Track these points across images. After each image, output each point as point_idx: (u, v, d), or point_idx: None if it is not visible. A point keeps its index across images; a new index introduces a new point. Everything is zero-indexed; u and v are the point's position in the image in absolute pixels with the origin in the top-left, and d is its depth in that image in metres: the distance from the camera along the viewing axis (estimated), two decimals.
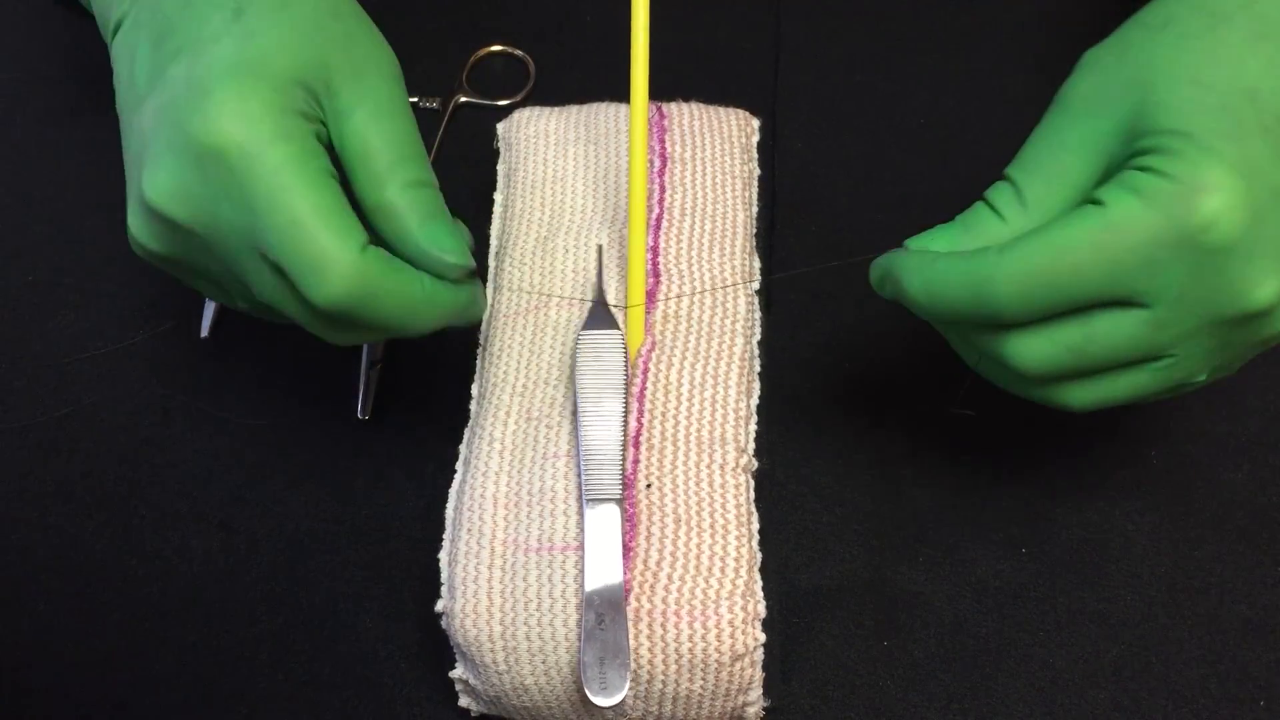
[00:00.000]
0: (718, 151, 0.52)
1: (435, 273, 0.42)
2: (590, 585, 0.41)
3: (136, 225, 0.41)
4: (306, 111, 0.40)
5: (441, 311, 0.42)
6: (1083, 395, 0.41)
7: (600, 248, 0.49)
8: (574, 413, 0.45)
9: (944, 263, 0.40)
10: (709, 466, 0.45)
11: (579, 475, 0.43)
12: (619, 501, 0.43)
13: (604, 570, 0.42)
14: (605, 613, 0.41)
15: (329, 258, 0.38)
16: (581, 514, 0.43)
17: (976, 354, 0.42)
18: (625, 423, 0.44)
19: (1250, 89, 0.38)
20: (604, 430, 0.44)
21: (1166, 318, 0.38)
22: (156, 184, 0.39)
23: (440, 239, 0.42)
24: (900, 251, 0.42)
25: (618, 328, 0.46)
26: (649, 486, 0.44)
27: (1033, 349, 0.39)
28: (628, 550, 0.42)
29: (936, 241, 0.41)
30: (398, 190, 0.41)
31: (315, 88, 0.41)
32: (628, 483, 0.44)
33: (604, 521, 0.42)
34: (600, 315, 0.47)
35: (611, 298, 0.48)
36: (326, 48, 0.41)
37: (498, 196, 0.54)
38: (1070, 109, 0.41)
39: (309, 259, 0.38)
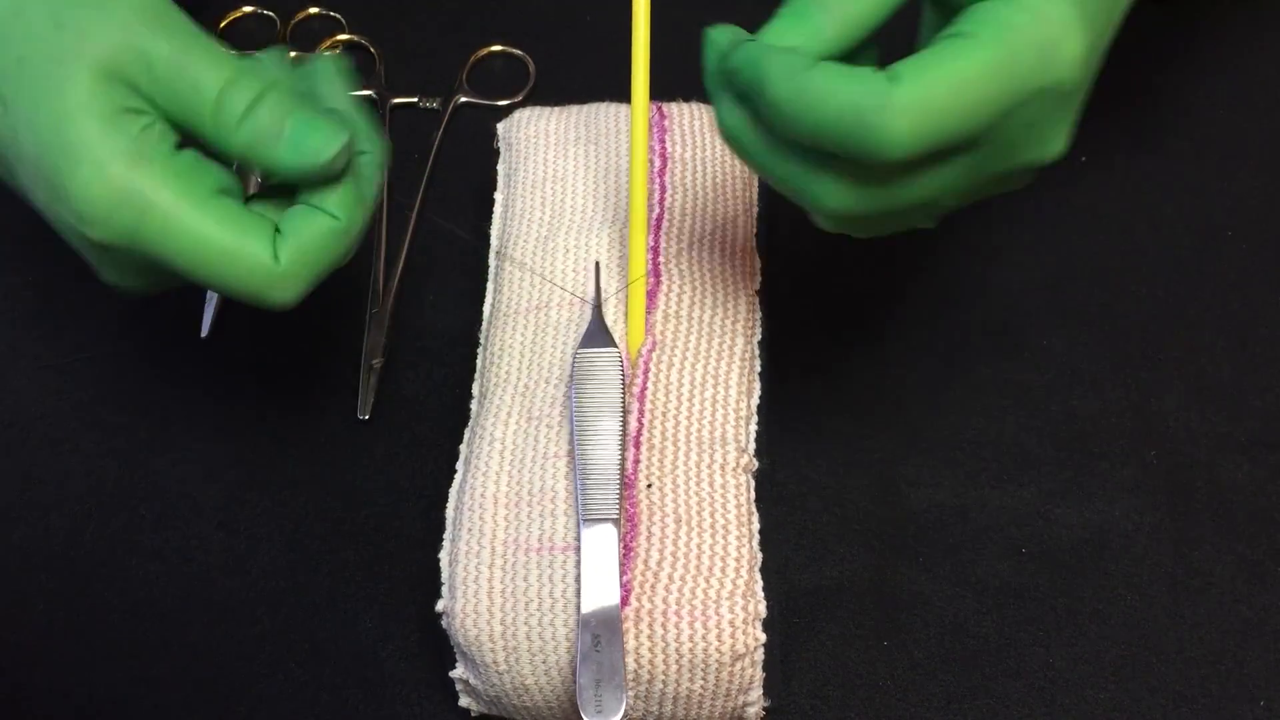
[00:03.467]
0: (718, 151, 0.52)
1: (323, 175, 0.40)
2: (587, 607, 0.41)
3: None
4: (132, 107, 0.38)
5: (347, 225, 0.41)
6: (856, 231, 0.39)
7: (598, 264, 0.49)
8: (571, 424, 0.45)
9: (823, 76, 0.34)
10: (709, 466, 0.45)
11: (578, 483, 0.43)
12: (616, 521, 0.42)
13: (601, 591, 0.41)
14: (601, 634, 0.41)
15: (267, 279, 0.39)
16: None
17: (785, 178, 0.38)
18: (623, 441, 0.44)
19: None
20: (601, 449, 0.44)
21: (983, 165, 0.35)
22: (87, 225, 0.39)
23: (305, 137, 0.39)
24: (760, 45, 0.36)
25: (615, 345, 0.46)
26: (649, 486, 0.44)
27: (852, 195, 0.36)
28: (628, 550, 0.42)
29: (782, 36, 0.36)
30: (237, 127, 0.39)
31: (138, 76, 0.39)
32: (628, 483, 0.44)
33: (601, 541, 0.42)
34: (597, 333, 0.47)
35: (611, 299, 0.48)
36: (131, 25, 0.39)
37: (498, 196, 0.54)
38: None
39: (251, 289, 0.39)
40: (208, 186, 0.39)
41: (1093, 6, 0.36)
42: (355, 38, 0.64)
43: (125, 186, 0.38)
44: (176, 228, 0.38)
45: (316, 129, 0.39)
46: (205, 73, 0.39)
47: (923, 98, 0.33)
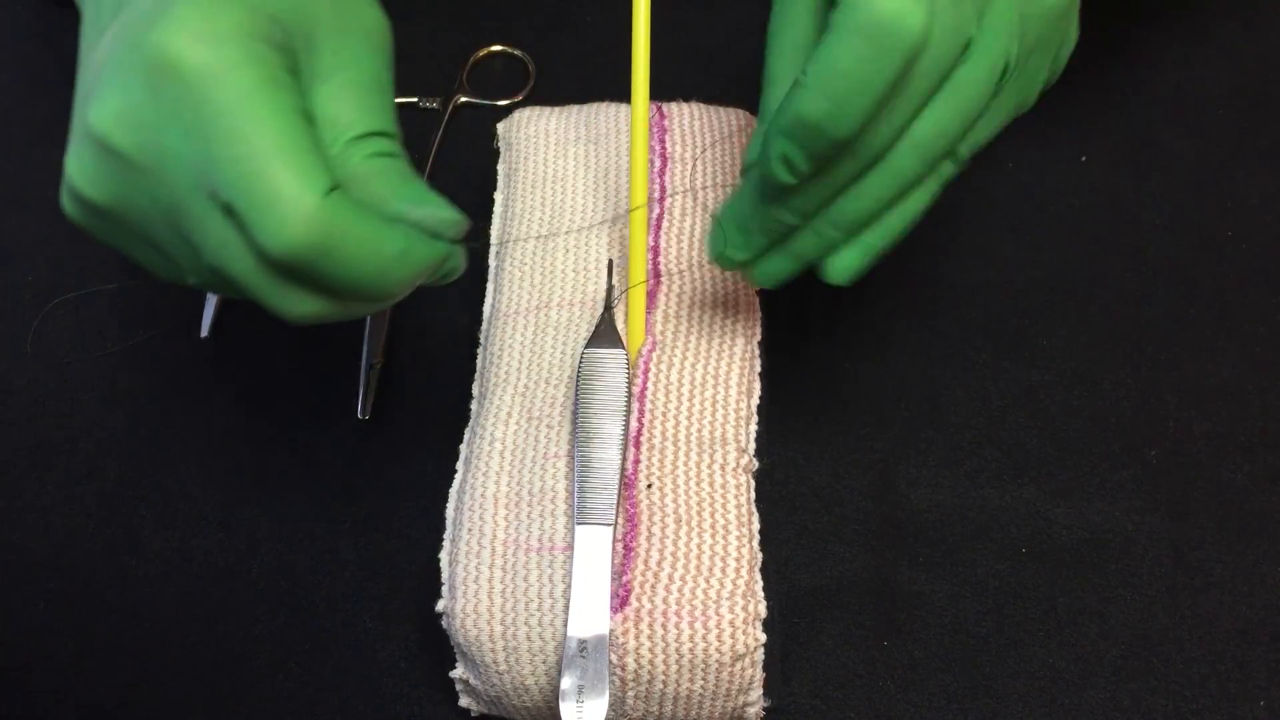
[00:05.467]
0: (718, 151, 0.52)
1: (428, 231, 0.37)
2: (575, 613, 0.41)
3: (75, 166, 0.36)
4: (284, 49, 0.36)
5: (417, 267, 0.37)
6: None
7: (611, 262, 0.49)
8: (574, 421, 0.45)
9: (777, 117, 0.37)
10: (710, 466, 0.45)
11: (575, 485, 0.43)
12: (612, 526, 0.42)
13: (591, 598, 0.41)
14: (589, 640, 0.41)
15: (289, 195, 0.34)
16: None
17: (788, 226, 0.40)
18: (624, 446, 0.44)
19: None
20: (602, 451, 0.44)
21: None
22: (103, 108, 0.35)
23: (426, 196, 0.37)
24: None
25: (623, 346, 0.46)
26: (650, 486, 0.44)
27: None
28: (628, 550, 0.42)
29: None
30: (365, 158, 0.37)
31: (294, 35, 0.36)
32: (628, 483, 0.44)
33: (595, 546, 0.42)
34: (606, 332, 0.46)
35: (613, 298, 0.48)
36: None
37: (498, 196, 0.54)
38: None
39: (266, 196, 0.34)
40: (299, 105, 0.36)
41: None
42: None
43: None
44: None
45: (440, 198, 0.38)
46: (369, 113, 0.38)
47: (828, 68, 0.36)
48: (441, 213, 0.38)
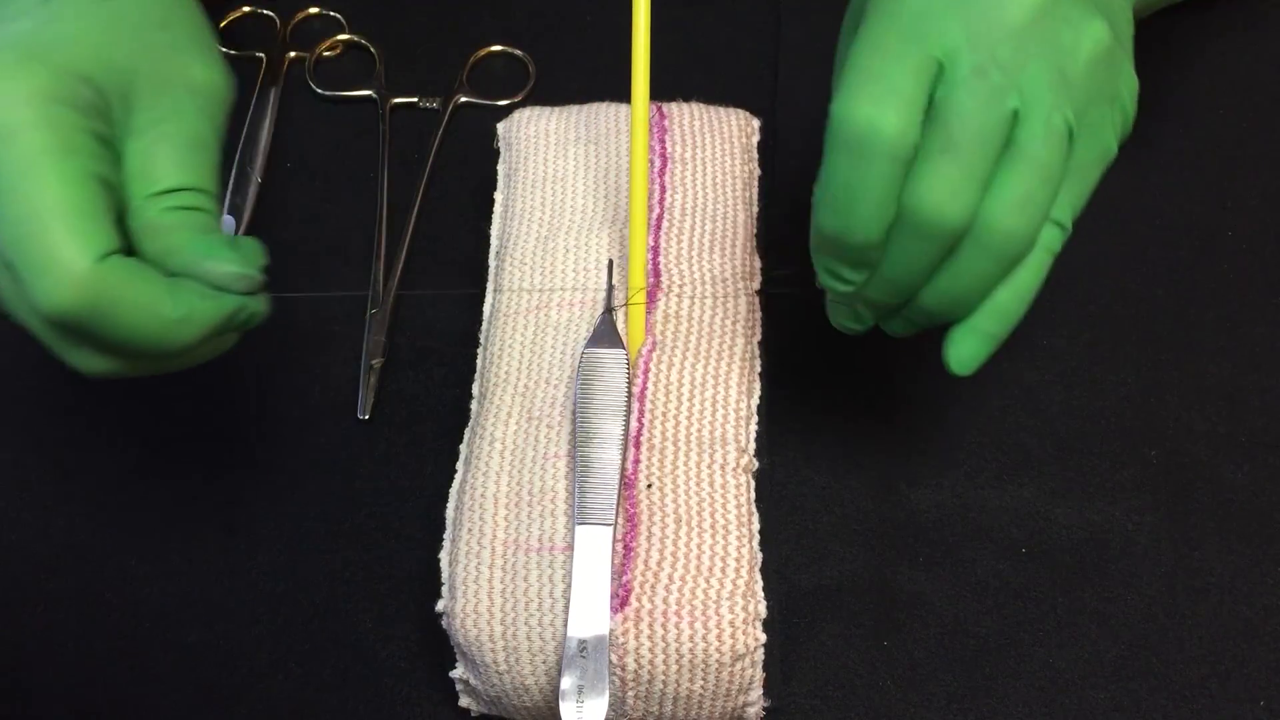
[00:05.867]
0: (718, 151, 0.52)
1: (215, 285, 0.39)
2: (575, 613, 0.41)
3: None
4: (89, 110, 0.37)
5: (201, 327, 0.38)
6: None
7: (611, 262, 0.49)
8: (574, 421, 0.45)
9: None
10: (710, 467, 0.45)
11: (575, 485, 0.43)
12: (611, 527, 0.42)
13: (591, 598, 0.41)
14: (589, 641, 0.41)
15: (58, 258, 0.35)
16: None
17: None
18: (624, 446, 0.44)
19: None
20: (601, 452, 0.43)
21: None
22: None
23: (215, 250, 0.39)
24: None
25: (624, 346, 0.46)
26: (650, 486, 0.44)
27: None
28: (628, 550, 0.42)
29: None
30: (164, 210, 0.38)
31: (109, 93, 0.38)
32: (628, 483, 0.44)
33: (595, 547, 0.42)
34: (606, 332, 0.46)
35: (613, 298, 0.48)
36: (137, 55, 0.39)
37: (498, 196, 0.54)
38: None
39: (36, 258, 0.35)
40: (89, 167, 0.37)
41: None
42: (355, 38, 0.64)
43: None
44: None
45: (234, 250, 0.39)
46: (168, 162, 0.39)
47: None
48: (229, 267, 0.39)
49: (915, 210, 0.37)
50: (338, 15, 0.64)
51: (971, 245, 0.38)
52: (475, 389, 0.49)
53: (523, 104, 0.60)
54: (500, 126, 0.55)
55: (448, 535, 0.45)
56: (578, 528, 0.42)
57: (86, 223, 0.36)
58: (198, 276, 0.39)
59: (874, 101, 0.37)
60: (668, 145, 0.52)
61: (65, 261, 0.35)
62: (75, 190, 0.36)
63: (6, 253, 0.36)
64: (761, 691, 0.43)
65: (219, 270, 0.39)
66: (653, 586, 0.42)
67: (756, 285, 0.50)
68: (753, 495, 0.45)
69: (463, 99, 0.61)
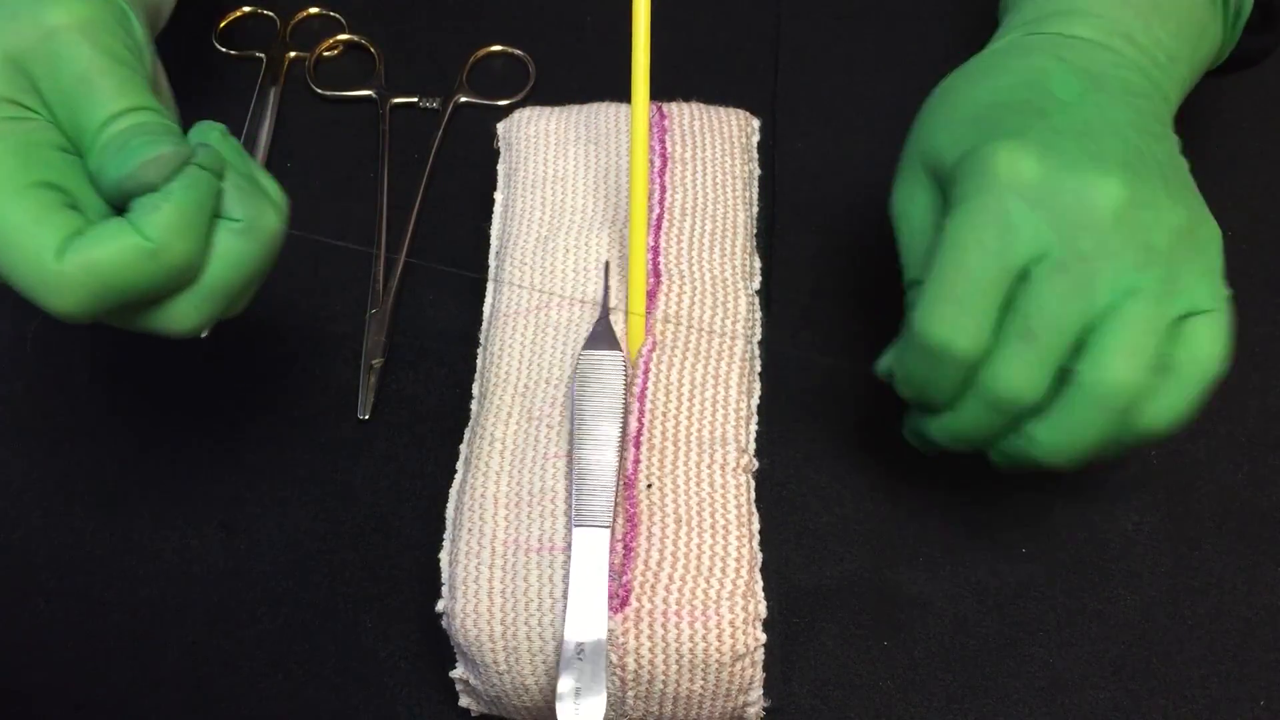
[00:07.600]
0: (718, 151, 0.52)
1: (143, 186, 0.38)
2: (572, 615, 0.41)
3: None
4: (23, 93, 0.38)
5: (185, 233, 0.37)
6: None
7: (607, 264, 0.49)
8: (571, 425, 0.45)
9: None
10: (710, 466, 0.45)
11: (573, 487, 0.43)
12: (609, 529, 0.42)
13: (588, 600, 0.41)
14: (586, 642, 0.41)
15: (41, 274, 0.36)
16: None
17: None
18: (621, 447, 0.44)
19: None
20: (598, 454, 0.43)
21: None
22: None
23: (135, 152, 0.38)
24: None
25: (620, 348, 0.46)
26: (649, 486, 0.44)
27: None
28: (628, 550, 0.42)
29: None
30: (101, 148, 0.38)
31: (34, 68, 0.38)
32: (628, 483, 0.44)
33: (592, 548, 0.42)
34: (603, 334, 0.46)
35: (612, 299, 0.48)
36: (6, 36, 0.39)
37: (498, 196, 0.54)
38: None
39: (27, 282, 0.37)
40: (32, 175, 0.37)
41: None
42: (355, 38, 0.64)
43: None
44: None
45: (151, 140, 0.38)
46: (104, 97, 0.39)
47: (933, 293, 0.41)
48: (159, 149, 0.37)
49: (990, 388, 0.40)
50: (338, 15, 0.64)
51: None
52: (475, 389, 0.49)
53: (523, 104, 0.60)
54: (500, 126, 0.55)
55: (448, 535, 0.45)
56: (574, 530, 0.42)
57: (38, 226, 0.37)
58: (146, 180, 0.38)
59: (950, 325, 0.40)
60: (668, 145, 0.52)
61: (45, 272, 0.36)
62: (16, 200, 0.37)
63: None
64: (761, 691, 0.43)
65: (153, 155, 0.37)
66: (653, 586, 0.42)
67: (756, 285, 0.50)
68: (753, 495, 0.45)
69: (463, 99, 0.62)
